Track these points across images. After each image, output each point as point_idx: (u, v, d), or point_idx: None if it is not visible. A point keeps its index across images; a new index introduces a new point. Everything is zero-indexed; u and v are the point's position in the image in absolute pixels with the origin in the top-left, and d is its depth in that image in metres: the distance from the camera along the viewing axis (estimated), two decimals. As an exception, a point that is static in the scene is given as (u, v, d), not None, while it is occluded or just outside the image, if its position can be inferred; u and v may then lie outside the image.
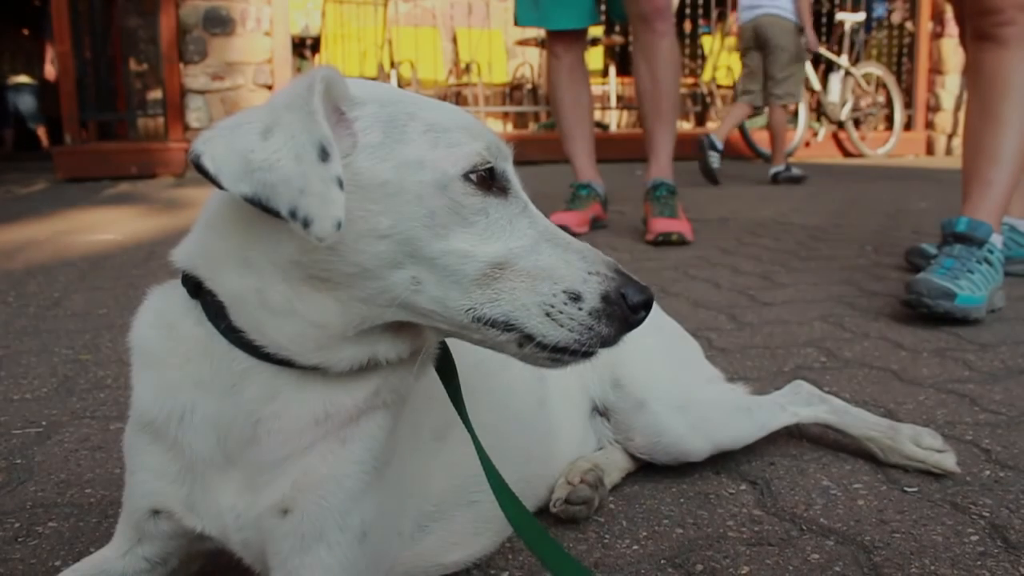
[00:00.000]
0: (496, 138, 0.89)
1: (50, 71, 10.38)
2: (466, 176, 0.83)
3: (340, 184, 0.76)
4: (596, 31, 9.35)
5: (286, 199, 0.75)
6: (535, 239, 0.86)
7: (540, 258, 0.84)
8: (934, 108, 10.11)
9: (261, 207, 0.76)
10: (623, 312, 0.84)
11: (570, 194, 4.14)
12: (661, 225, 3.82)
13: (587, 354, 0.85)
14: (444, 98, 10.14)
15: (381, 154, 0.82)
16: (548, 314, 0.83)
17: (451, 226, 0.82)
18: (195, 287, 0.88)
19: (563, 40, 3.98)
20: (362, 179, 0.81)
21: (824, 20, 10.27)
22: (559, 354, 0.84)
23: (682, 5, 10.07)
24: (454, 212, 0.82)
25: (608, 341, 0.85)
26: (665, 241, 3.80)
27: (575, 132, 4.11)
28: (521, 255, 0.84)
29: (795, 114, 7.51)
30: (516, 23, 4.17)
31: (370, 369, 0.88)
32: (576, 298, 0.83)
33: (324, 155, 0.76)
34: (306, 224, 0.75)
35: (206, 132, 0.80)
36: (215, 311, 0.86)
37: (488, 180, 0.85)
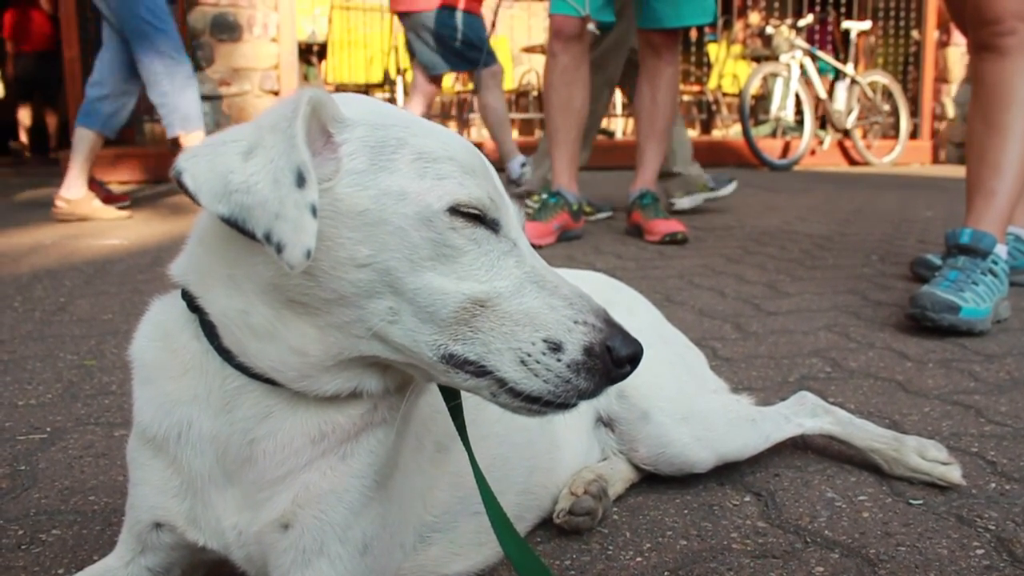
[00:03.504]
0: (489, 168, 0.87)
1: None
2: (452, 210, 0.80)
3: (314, 212, 0.75)
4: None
5: (262, 222, 0.75)
6: (520, 280, 0.82)
7: (524, 301, 0.81)
8: (940, 117, 10.10)
9: (238, 228, 0.76)
10: (606, 366, 0.80)
11: (539, 203, 4.08)
12: (663, 226, 4.06)
13: (564, 405, 0.81)
14: (450, 105, 10.17)
15: (363, 181, 0.80)
16: (523, 362, 0.79)
17: (432, 261, 0.79)
18: (192, 301, 0.88)
19: (561, 38, 3.93)
20: (342, 206, 0.79)
21: (830, 28, 10.28)
22: (533, 403, 0.81)
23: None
24: (436, 247, 0.79)
25: (587, 395, 0.81)
26: (672, 240, 4.00)
27: (558, 136, 4.06)
28: (504, 296, 0.81)
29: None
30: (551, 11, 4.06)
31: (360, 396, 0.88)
32: (557, 348, 0.79)
33: (301, 181, 0.75)
34: (279, 249, 0.74)
35: (191, 148, 0.80)
36: (209, 328, 0.86)
37: (477, 213, 0.82)
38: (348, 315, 0.81)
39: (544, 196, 4.08)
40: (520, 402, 0.81)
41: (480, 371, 0.81)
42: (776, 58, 8.96)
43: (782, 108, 8.98)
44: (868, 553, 1.22)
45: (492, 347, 0.80)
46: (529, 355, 0.79)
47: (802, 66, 8.89)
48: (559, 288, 0.83)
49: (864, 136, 9.51)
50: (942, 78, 10.04)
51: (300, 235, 0.74)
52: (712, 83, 10.72)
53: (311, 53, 10.14)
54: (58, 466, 1.52)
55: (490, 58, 5.86)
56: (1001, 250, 2.53)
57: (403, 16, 5.86)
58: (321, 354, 0.83)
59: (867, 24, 9.89)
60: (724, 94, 10.68)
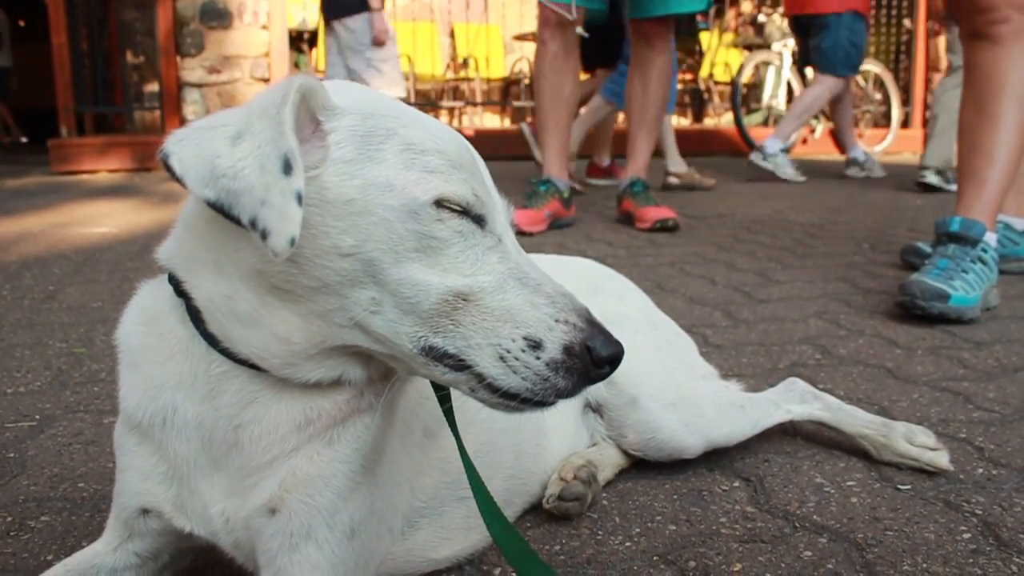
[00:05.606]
0: (478, 162, 0.87)
1: None
2: (438, 203, 0.80)
3: (299, 199, 0.74)
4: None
5: (248, 208, 0.74)
6: (503, 276, 0.82)
7: (506, 297, 0.80)
8: (932, 106, 10.10)
9: (224, 214, 0.75)
10: (585, 366, 0.80)
11: (529, 190, 4.09)
12: (654, 213, 4.08)
13: (541, 403, 0.81)
14: (441, 92, 10.14)
15: (350, 171, 0.79)
16: (502, 358, 0.79)
17: (416, 253, 0.79)
18: (178, 286, 0.87)
19: (551, 27, 3.93)
20: (328, 195, 0.79)
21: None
22: (511, 400, 0.80)
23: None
24: (421, 239, 0.79)
25: (564, 394, 0.80)
26: (663, 227, 4.02)
27: (549, 124, 4.05)
28: (487, 291, 0.80)
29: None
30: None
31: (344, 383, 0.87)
32: (536, 346, 0.79)
33: (288, 168, 0.74)
34: (264, 236, 0.74)
35: (180, 131, 0.79)
36: (195, 313, 0.86)
37: (462, 208, 0.82)
38: (331, 304, 0.81)
39: (535, 184, 4.08)
40: (498, 398, 0.81)
41: (459, 365, 0.80)
42: (768, 46, 8.94)
43: (774, 96, 8.97)
44: (856, 538, 1.23)
45: (472, 342, 0.79)
46: (508, 351, 0.79)
47: (794, 54, 8.88)
48: (542, 286, 0.83)
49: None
50: (934, 67, 10.04)
51: (285, 223, 0.74)
52: (704, 72, 10.70)
53: (302, 41, 10.08)
54: (47, 453, 1.51)
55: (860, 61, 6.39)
56: (991, 238, 2.54)
57: (806, 17, 6.26)
58: (304, 342, 0.83)
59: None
60: (716, 82, 10.67)
